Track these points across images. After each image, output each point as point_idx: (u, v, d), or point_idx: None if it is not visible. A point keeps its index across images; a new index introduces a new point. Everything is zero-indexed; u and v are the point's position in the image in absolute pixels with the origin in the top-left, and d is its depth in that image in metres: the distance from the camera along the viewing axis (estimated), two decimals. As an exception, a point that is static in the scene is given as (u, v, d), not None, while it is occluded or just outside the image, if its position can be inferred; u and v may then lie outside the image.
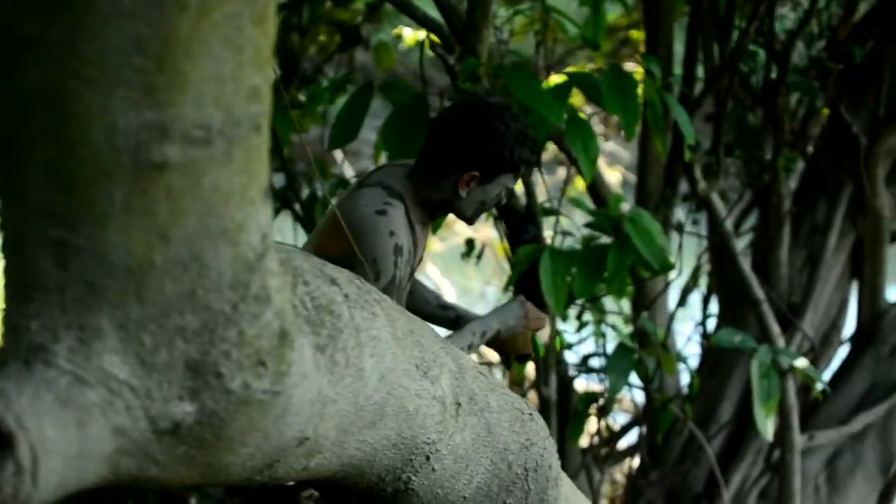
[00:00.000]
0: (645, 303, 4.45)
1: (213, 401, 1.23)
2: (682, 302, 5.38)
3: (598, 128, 6.80)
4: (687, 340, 5.33)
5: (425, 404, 1.67)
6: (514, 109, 2.73)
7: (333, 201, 2.88)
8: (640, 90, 3.24)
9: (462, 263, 4.86)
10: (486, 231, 6.42)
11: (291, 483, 4.72)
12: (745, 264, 4.39)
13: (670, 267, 3.34)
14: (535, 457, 2.00)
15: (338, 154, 6.73)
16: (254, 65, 1.13)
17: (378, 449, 1.62)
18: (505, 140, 2.65)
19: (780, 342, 4.31)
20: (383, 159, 3.49)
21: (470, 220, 2.85)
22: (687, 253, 4.54)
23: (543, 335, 3.04)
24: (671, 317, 4.49)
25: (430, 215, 2.82)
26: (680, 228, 4.36)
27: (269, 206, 1.23)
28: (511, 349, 3.02)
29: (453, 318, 3.06)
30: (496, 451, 1.92)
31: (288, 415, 1.35)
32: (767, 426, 3.84)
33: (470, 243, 4.29)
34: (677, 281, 5.27)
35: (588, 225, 3.51)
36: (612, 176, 8.38)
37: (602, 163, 7.88)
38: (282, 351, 1.28)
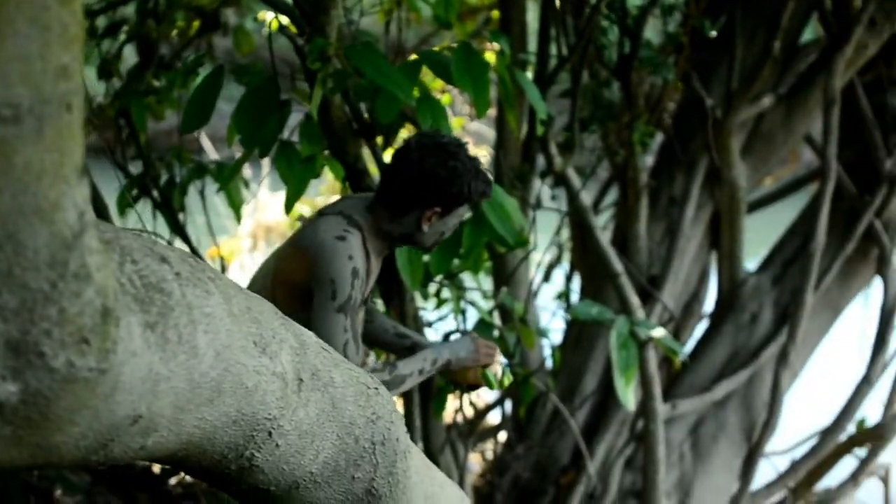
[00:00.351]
0: (504, 278, 4.52)
1: (36, 380, 1.24)
2: (547, 278, 5.49)
3: (464, 108, 6.86)
4: (552, 315, 5.42)
5: (265, 380, 1.69)
6: (465, 145, 2.97)
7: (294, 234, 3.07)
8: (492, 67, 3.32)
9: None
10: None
11: (161, 470, 4.70)
12: (604, 238, 4.49)
13: (525, 242, 3.41)
14: (382, 430, 2.04)
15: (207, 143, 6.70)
16: (61, 43, 1.15)
17: (218, 426, 1.63)
18: (464, 177, 2.90)
19: (640, 313, 4.42)
20: (238, 146, 3.50)
21: (429, 250, 3.13)
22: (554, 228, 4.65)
23: (495, 368, 3.24)
24: (529, 291, 4.56)
25: (389, 246, 3.07)
26: (538, 204, 4.44)
27: (85, 184, 1.25)
28: (461, 380, 3.24)
29: (409, 346, 3.31)
30: (342, 426, 1.94)
31: (118, 393, 1.37)
32: (628, 396, 3.94)
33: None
34: (542, 257, 5.37)
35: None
36: (479, 155, 8.42)
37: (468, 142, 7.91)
38: (106, 328, 1.30)
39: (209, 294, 1.58)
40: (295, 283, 2.94)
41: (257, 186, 9.94)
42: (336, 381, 1.94)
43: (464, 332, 3.41)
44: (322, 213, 3.02)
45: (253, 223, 10.14)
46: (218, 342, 1.57)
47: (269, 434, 1.76)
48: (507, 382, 3.53)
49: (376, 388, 2.06)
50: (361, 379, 2.03)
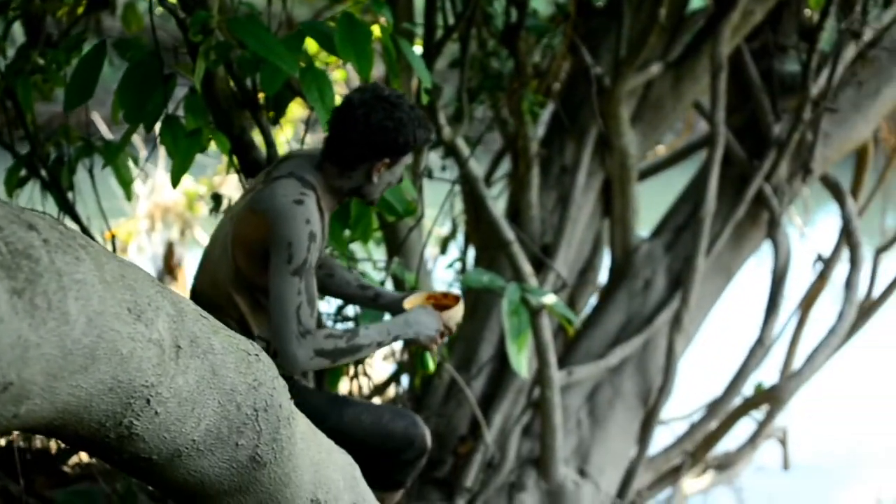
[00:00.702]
0: (396, 248, 4.56)
1: None
2: (443, 249, 5.53)
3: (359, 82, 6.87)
4: (448, 285, 5.47)
5: (140, 347, 1.70)
6: (404, 96, 3.12)
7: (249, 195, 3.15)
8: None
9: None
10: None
11: (58, 451, 4.66)
12: (495, 207, 4.53)
13: (413, 211, 3.45)
14: (265, 397, 2.06)
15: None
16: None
17: (93, 394, 1.64)
18: (408, 126, 3.06)
19: (533, 281, 4.49)
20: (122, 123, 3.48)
21: (375, 202, 3.26)
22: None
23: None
24: (421, 261, 4.60)
25: (339, 201, 3.22)
26: (429, 174, 4.48)
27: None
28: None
29: (372, 297, 3.49)
30: (223, 393, 1.96)
31: (-15, 359, 1.38)
32: (521, 363, 3.98)
33: (216, 198, 4.30)
34: (439, 229, 5.42)
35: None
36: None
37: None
38: (-31, 294, 1.31)
39: (80, 261, 1.58)
40: (253, 246, 3.08)
41: (154, 167, 9.90)
42: (216, 348, 1.96)
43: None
44: (273, 175, 3.11)
45: (150, 204, 10.07)
46: (90, 309, 1.58)
47: (147, 401, 1.76)
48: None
49: (257, 355, 2.08)
50: (242, 346, 2.05)
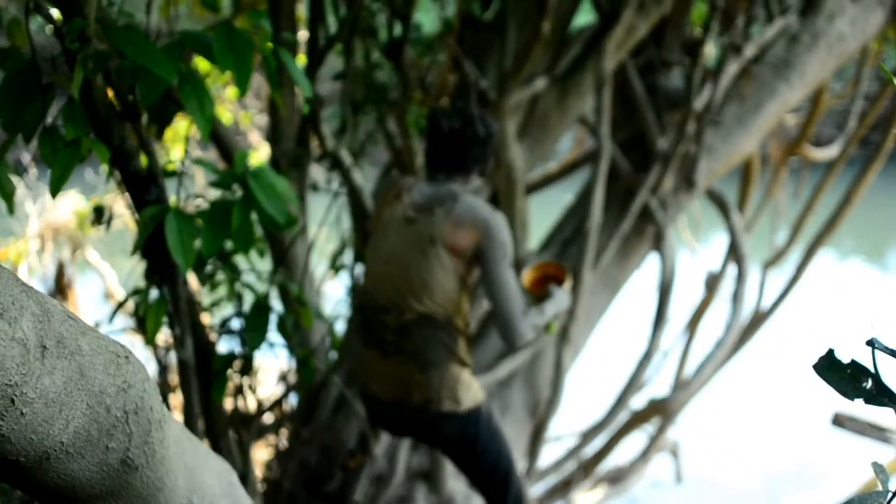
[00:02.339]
0: (283, 260, 4.58)
1: None
2: (334, 263, 5.57)
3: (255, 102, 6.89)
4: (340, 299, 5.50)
5: (3, 346, 1.71)
6: (473, 111, 3.98)
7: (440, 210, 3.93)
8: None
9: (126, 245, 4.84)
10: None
11: None
12: (380, 219, 4.58)
13: (295, 222, 3.48)
14: (135, 399, 2.07)
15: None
16: None
17: (-46, 392, 1.66)
18: (493, 129, 3.99)
19: (419, 294, 4.53)
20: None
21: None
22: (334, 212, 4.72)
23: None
24: (305, 271, 4.63)
25: None
26: (315, 187, 4.52)
27: None
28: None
29: None
30: (92, 395, 1.97)
31: None
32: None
33: (98, 210, 4.29)
34: (327, 243, 5.44)
35: (213, 184, 3.60)
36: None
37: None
38: None
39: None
40: (466, 252, 3.88)
41: (44, 186, 9.78)
42: (84, 350, 1.97)
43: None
44: (450, 198, 3.92)
45: (40, 224, 9.96)
46: (-50, 306, 1.60)
47: (12, 401, 1.77)
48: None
49: (126, 357, 2.09)
50: (111, 347, 2.07)
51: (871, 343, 1.31)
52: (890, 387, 1.31)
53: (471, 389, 4.06)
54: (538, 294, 4.21)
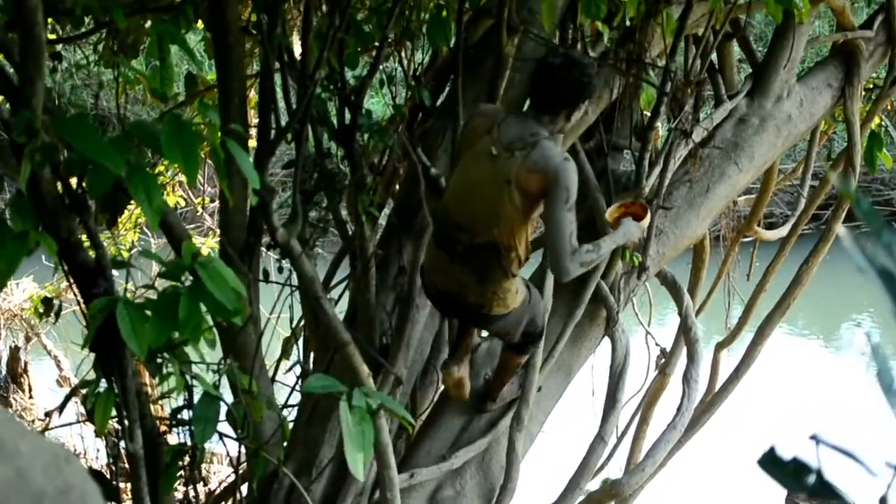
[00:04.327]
0: (233, 350, 4.56)
1: None
2: (285, 352, 5.56)
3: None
4: (291, 390, 5.48)
5: (-58, 449, 1.71)
6: (585, 56, 4.78)
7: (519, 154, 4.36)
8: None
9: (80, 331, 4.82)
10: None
11: None
12: (331, 308, 4.59)
13: (242, 311, 3.48)
14: (76, 500, 2.06)
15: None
16: None
17: None
18: (594, 80, 4.43)
19: (370, 383, 4.53)
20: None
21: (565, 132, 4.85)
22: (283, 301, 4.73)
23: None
24: (254, 362, 4.61)
25: None
26: (265, 277, 4.53)
27: None
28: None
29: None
30: (31, 497, 1.95)
31: None
32: (359, 466, 4.01)
33: (47, 302, 4.28)
34: (279, 331, 5.44)
35: (161, 275, 3.60)
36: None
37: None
38: None
39: None
40: (533, 195, 4.35)
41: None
42: (23, 451, 1.96)
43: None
44: (531, 141, 4.34)
45: (-4, 310, 9.92)
46: None
47: (-52, 503, 1.77)
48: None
49: (67, 459, 2.08)
50: (52, 449, 2.05)
51: (814, 438, 1.33)
52: (832, 483, 1.33)
53: (518, 294, 4.79)
54: (614, 227, 4.77)
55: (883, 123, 8.15)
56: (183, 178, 6.84)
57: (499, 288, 4.65)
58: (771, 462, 1.33)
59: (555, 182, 4.27)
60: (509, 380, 5.41)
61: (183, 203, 9.46)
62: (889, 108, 8.75)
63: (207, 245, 8.69)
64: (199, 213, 10.23)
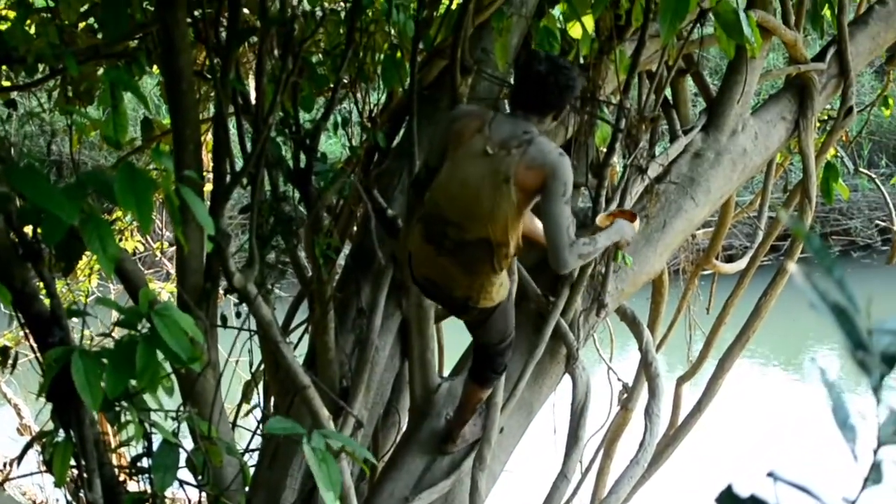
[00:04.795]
0: (191, 396, 4.55)
1: None
2: (245, 396, 5.55)
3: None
4: (252, 434, 5.47)
5: None
6: (568, 61, 4.84)
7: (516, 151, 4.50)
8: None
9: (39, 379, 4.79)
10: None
11: None
12: (289, 351, 4.59)
13: (199, 358, 3.49)
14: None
15: None
16: None
17: None
18: (578, 83, 4.66)
19: (331, 426, 4.54)
20: None
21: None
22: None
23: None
24: (213, 408, 4.60)
25: None
26: (223, 322, 4.53)
27: None
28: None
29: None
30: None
31: None
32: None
33: (4, 351, 4.26)
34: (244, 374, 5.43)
35: (118, 323, 3.60)
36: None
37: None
38: None
39: None
40: (530, 190, 4.51)
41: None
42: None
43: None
44: (525, 139, 4.50)
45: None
46: None
47: None
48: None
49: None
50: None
51: (771, 475, 1.35)
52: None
53: (503, 287, 4.90)
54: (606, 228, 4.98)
55: (838, 154, 8.24)
56: (140, 223, 6.84)
57: (486, 281, 4.75)
58: (729, 499, 1.35)
59: (553, 177, 4.45)
60: (470, 418, 5.41)
61: (141, 248, 9.42)
62: (844, 139, 8.87)
63: (167, 290, 8.67)
64: (158, 258, 10.22)
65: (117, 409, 3.98)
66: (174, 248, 6.82)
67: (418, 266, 4.89)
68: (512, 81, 5.25)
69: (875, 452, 1.26)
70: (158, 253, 9.98)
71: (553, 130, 5.51)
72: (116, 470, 4.17)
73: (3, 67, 5.17)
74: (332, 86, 4.87)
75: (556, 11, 5.45)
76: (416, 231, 4.84)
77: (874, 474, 1.27)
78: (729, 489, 1.34)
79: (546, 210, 4.52)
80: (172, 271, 9.81)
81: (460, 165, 4.60)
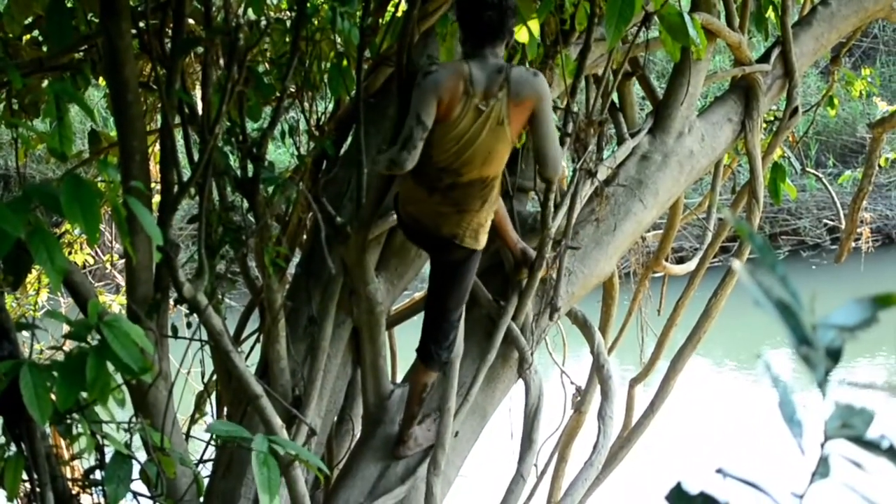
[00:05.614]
0: (143, 407, 4.56)
1: None
2: (198, 407, 5.56)
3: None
4: (206, 445, 5.47)
5: None
6: None
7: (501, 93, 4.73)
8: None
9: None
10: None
11: None
12: (240, 361, 4.60)
13: (149, 369, 3.50)
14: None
15: None
16: None
17: None
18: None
19: (284, 434, 4.56)
20: None
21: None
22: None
23: None
24: (166, 419, 4.61)
25: None
26: (174, 332, 4.54)
27: None
28: None
29: None
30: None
31: None
32: (272, 512, 4.03)
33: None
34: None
35: (67, 335, 3.61)
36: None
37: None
38: None
39: None
40: (523, 119, 4.80)
41: None
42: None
43: None
44: (502, 73, 4.68)
45: None
46: None
47: None
48: None
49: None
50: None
51: (720, 471, 1.37)
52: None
53: (484, 230, 5.06)
54: None
55: (785, 155, 8.34)
56: (88, 235, 6.82)
57: (473, 220, 4.95)
58: (678, 497, 1.37)
59: (540, 100, 4.75)
60: (417, 406, 5.47)
61: (91, 261, 9.39)
62: (790, 139, 8.97)
63: (118, 302, 8.64)
64: (108, 271, 10.18)
65: (69, 421, 4.00)
66: (124, 260, 6.82)
67: (405, 204, 5.09)
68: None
69: (822, 447, 1.28)
70: (108, 265, 9.93)
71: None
72: (69, 483, 4.18)
73: (-53, 81, 5.17)
74: (278, 94, 4.88)
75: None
76: (406, 176, 4.99)
77: (822, 468, 1.29)
78: (678, 486, 1.37)
79: (539, 129, 4.84)
80: (123, 284, 9.79)
81: (456, 125, 4.75)
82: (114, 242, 10.32)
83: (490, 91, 4.69)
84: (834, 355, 1.26)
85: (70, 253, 8.54)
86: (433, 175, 4.88)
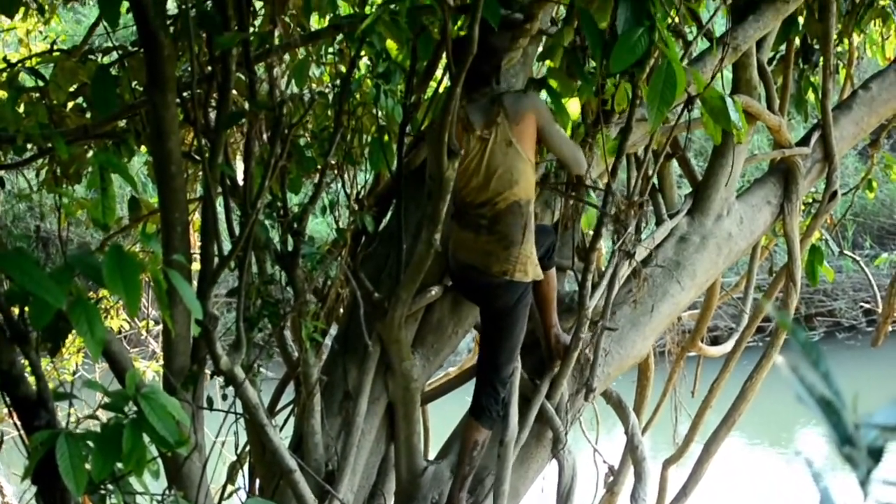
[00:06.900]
0: (177, 479, 4.54)
1: None
2: (231, 478, 5.53)
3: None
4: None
5: None
6: None
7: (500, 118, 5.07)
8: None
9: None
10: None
11: None
12: (275, 435, 4.59)
13: (185, 442, 3.49)
14: None
15: None
16: None
17: None
18: (496, 28, 4.74)
19: (316, 510, 4.54)
20: None
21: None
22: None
23: None
24: (200, 490, 4.59)
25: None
26: (209, 405, 4.53)
27: None
28: None
29: None
30: None
31: None
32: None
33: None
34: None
35: (105, 406, 3.60)
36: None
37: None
38: None
39: None
40: (531, 135, 5.10)
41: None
42: None
43: None
44: (498, 103, 5.04)
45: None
46: None
47: None
48: None
49: None
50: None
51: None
52: None
53: (533, 263, 5.24)
54: None
55: (823, 237, 8.30)
56: (126, 302, 6.84)
57: (521, 253, 5.15)
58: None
59: (538, 115, 5.09)
60: (467, 465, 5.52)
61: (127, 326, 9.41)
62: (829, 221, 8.93)
63: (152, 369, 8.65)
64: (143, 337, 10.20)
65: (103, 491, 3.98)
66: (159, 326, 6.82)
67: (456, 251, 5.32)
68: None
69: (863, 544, 1.27)
70: (144, 331, 9.95)
71: (539, 214, 5.57)
72: (101, 554, 4.16)
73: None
74: (319, 168, 4.90)
75: (543, 95, 5.51)
76: (452, 226, 5.26)
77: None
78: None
79: (550, 139, 5.18)
80: (158, 349, 9.78)
81: (471, 161, 5.06)
82: (150, 309, 10.35)
83: (489, 121, 5.03)
84: (876, 455, 1.25)
85: (106, 318, 8.56)
86: (472, 214, 5.16)
